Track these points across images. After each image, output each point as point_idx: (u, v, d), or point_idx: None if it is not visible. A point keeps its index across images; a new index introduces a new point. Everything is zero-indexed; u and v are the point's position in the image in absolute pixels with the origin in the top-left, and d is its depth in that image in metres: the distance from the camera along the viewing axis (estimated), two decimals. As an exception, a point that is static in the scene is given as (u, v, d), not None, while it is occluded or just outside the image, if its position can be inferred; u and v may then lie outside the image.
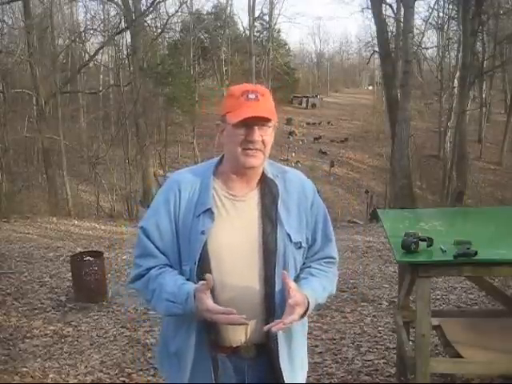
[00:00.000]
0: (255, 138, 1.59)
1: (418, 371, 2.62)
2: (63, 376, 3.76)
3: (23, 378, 3.72)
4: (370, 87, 56.52)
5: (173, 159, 28.58)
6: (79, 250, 7.70)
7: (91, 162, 21.22)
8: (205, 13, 38.37)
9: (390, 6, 21.50)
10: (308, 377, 1.90)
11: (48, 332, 4.64)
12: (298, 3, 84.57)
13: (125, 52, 28.36)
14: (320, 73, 59.54)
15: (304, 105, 45.03)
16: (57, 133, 19.39)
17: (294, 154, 30.60)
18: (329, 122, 39.86)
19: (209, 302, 1.51)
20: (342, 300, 5.18)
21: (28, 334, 4.58)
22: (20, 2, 20.46)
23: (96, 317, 5.03)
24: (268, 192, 1.68)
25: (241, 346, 1.66)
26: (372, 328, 4.48)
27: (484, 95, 30.24)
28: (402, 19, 16.91)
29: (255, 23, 38.36)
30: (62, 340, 4.45)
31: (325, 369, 3.66)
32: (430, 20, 27.89)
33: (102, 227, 13.75)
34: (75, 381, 3.70)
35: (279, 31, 45.18)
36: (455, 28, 25.51)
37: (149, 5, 24.13)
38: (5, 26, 23.16)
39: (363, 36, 53.27)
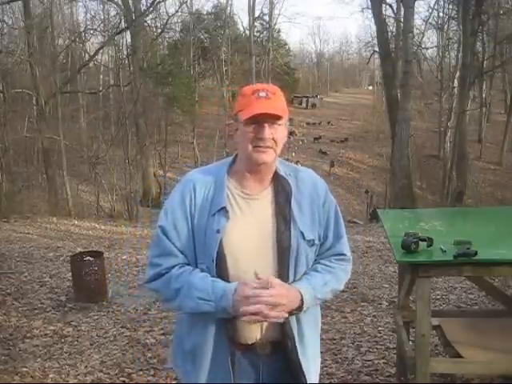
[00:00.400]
0: (265, 136, 1.61)
1: (418, 371, 2.62)
2: (63, 376, 3.76)
3: (23, 378, 3.72)
4: (370, 87, 56.58)
5: (173, 159, 28.59)
6: (79, 250, 7.70)
7: (91, 162, 21.22)
8: (205, 13, 38.37)
9: (390, 5, 21.57)
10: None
11: (48, 332, 4.64)
12: (298, 3, 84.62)
13: (125, 52, 28.43)
14: (320, 73, 59.60)
15: (304, 105, 45.09)
16: (57, 133, 19.38)
17: (294, 154, 30.56)
18: (329, 122, 39.90)
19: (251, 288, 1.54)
20: (342, 300, 5.18)
21: (28, 334, 4.58)
22: (20, 1, 20.47)
23: (96, 317, 5.03)
24: (281, 190, 1.70)
25: (256, 343, 1.67)
26: (372, 328, 4.48)
27: (484, 95, 30.26)
28: (402, 19, 16.90)
29: (255, 23, 38.26)
30: (62, 340, 4.45)
31: (325, 369, 3.65)
32: (430, 20, 27.96)
33: (102, 227, 13.75)
34: (75, 381, 3.69)
35: (279, 31, 45.20)
36: (455, 28, 25.52)
37: (149, 5, 24.20)
38: (5, 25, 23.22)
39: (363, 36, 53.48)
